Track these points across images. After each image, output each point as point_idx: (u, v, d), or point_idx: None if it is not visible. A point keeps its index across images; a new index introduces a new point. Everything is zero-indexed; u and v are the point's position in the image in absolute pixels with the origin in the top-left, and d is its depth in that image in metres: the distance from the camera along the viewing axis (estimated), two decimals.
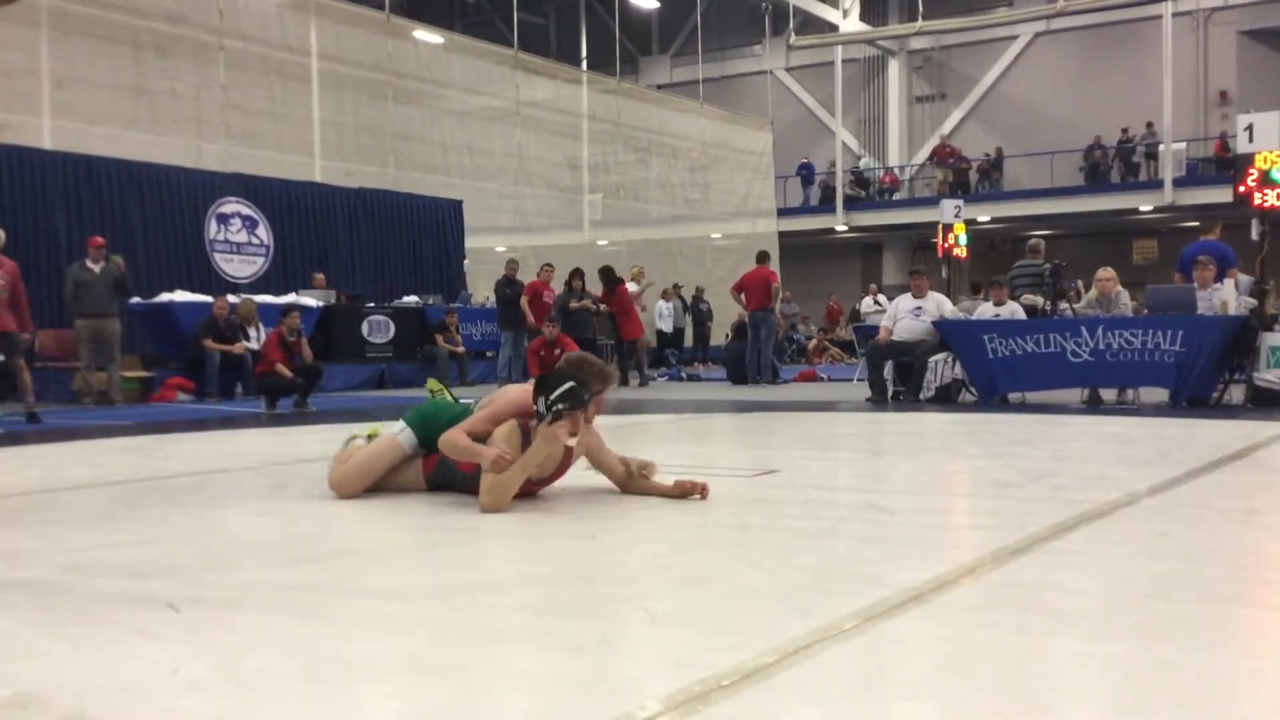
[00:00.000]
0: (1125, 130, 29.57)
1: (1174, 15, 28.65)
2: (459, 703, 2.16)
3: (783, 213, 31.44)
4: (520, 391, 4.65)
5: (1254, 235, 11.01)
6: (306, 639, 2.63)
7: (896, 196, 33.78)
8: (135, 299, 13.81)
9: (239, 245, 16.40)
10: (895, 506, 4.51)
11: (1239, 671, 2.35)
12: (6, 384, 10.11)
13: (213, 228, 16.02)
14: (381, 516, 4.45)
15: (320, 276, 16.78)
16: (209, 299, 14.08)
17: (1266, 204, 10.38)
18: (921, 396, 10.96)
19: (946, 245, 17.72)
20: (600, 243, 25.83)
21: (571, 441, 4.44)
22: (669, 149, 27.64)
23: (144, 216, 15.16)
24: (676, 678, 2.21)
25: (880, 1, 33.97)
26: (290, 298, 15.06)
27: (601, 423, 4.87)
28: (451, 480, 4.72)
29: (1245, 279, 11.43)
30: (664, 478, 4.73)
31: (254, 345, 13.26)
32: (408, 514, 4.46)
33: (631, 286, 19.29)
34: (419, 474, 4.83)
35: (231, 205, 16.28)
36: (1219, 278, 10.69)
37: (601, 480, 4.82)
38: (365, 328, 16.23)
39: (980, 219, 28.32)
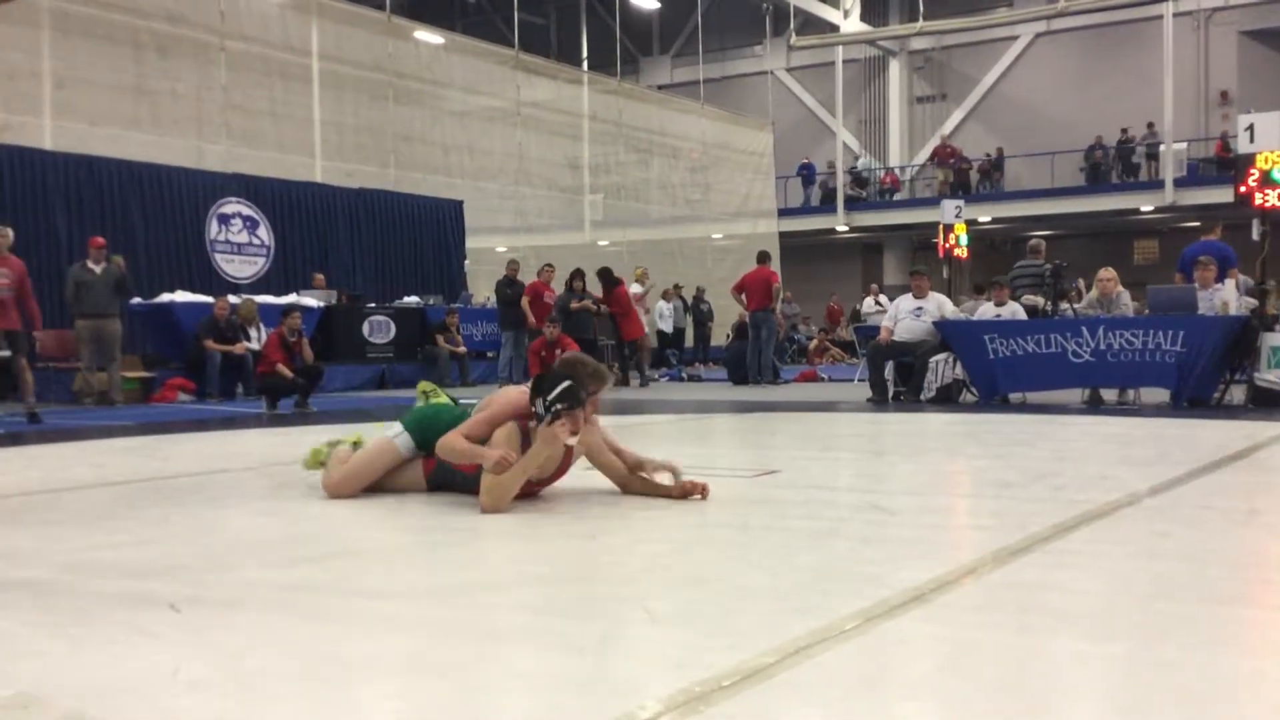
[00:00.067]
0: (1125, 130, 29.56)
1: (1175, 15, 28.66)
2: (459, 703, 2.16)
3: (783, 213, 31.45)
4: (518, 393, 4.65)
5: (1255, 235, 11.00)
6: (307, 639, 2.63)
7: (897, 197, 33.79)
8: (136, 299, 13.81)
9: (240, 246, 16.41)
10: (896, 507, 4.51)
11: (1240, 672, 2.35)
12: (7, 383, 10.10)
13: (213, 228, 16.03)
14: (382, 517, 4.45)
15: (320, 277, 16.79)
16: (210, 299, 14.09)
17: (1267, 204, 10.37)
18: (922, 397, 10.96)
19: (947, 245, 17.70)
20: (601, 243, 25.84)
21: (573, 441, 4.44)
22: (670, 149, 27.65)
23: (145, 217, 15.17)
24: (677, 678, 2.21)
25: (881, 2, 33.97)
26: (291, 298, 15.06)
27: (602, 424, 4.86)
28: (452, 481, 4.71)
29: (1242, 279, 11.42)
30: (665, 477, 4.72)
31: (255, 346, 13.26)
32: (408, 514, 4.46)
33: (635, 288, 19.29)
34: (419, 475, 4.83)
35: (232, 205, 16.29)
36: (1220, 278, 10.69)
37: (602, 480, 4.82)
38: (366, 328, 16.24)
39: (981, 219, 28.33)
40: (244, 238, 16.46)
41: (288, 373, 11.67)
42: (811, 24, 32.81)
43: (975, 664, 2.37)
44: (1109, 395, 10.67)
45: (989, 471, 5.92)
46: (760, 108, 31.88)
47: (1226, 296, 10.21)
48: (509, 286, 15.92)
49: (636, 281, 19.64)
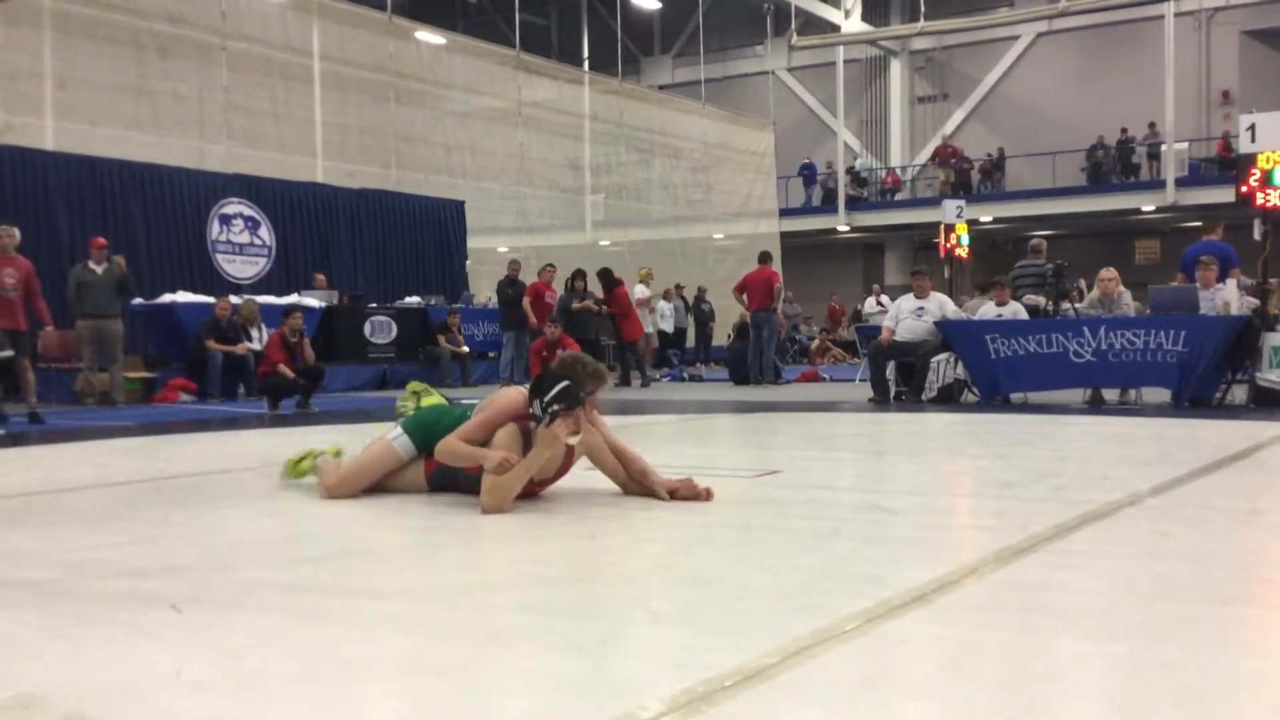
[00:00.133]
0: (1124, 131, 29.56)
1: (1176, 15, 28.66)
2: (459, 703, 2.16)
3: (785, 213, 31.45)
4: (515, 394, 4.64)
5: (1256, 235, 11.00)
6: (307, 639, 2.63)
7: (898, 197, 33.79)
8: (138, 300, 13.82)
9: (241, 246, 16.42)
10: (898, 507, 4.51)
11: (1241, 672, 2.34)
12: (9, 383, 10.12)
13: (215, 228, 16.03)
14: (382, 517, 4.45)
15: (321, 277, 16.80)
16: (211, 300, 14.09)
17: (1269, 204, 10.36)
18: (924, 397, 10.95)
19: (949, 245, 17.72)
20: (602, 243, 25.84)
21: (574, 440, 4.45)
22: (671, 149, 27.65)
23: (146, 217, 15.18)
24: (678, 678, 2.21)
25: (882, 2, 33.97)
26: (292, 298, 15.06)
27: (607, 424, 4.86)
28: (455, 481, 4.71)
29: (1243, 280, 11.42)
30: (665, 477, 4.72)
31: (256, 346, 13.26)
32: (408, 514, 4.46)
33: (640, 289, 19.29)
34: (421, 475, 4.82)
35: (234, 206, 16.29)
36: (1221, 278, 10.68)
37: (603, 481, 4.82)
38: (367, 328, 16.24)
39: (982, 219, 28.32)
40: (245, 238, 16.46)
41: (289, 373, 11.68)
42: (812, 24, 32.81)
43: (977, 664, 2.37)
44: (1110, 395, 10.66)
45: (990, 471, 5.91)
46: (761, 108, 31.87)
47: (1228, 296, 10.21)
48: (510, 287, 15.92)
49: (641, 282, 19.63)
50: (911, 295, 11.65)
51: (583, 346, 13.06)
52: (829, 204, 33.27)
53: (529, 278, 16.50)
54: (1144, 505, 4.48)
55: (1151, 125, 29.17)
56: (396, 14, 20.97)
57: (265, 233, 16.72)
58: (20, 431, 9.15)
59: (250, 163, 17.14)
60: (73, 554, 3.68)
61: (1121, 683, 2.27)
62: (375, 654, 2.47)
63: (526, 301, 15.54)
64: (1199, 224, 24.04)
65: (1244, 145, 10.71)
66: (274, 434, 8.85)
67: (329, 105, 18.93)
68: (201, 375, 13.34)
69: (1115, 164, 30.13)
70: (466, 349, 16.82)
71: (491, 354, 17.44)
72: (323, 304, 15.67)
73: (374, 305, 16.89)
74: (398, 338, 16.58)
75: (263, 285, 16.23)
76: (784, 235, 29.89)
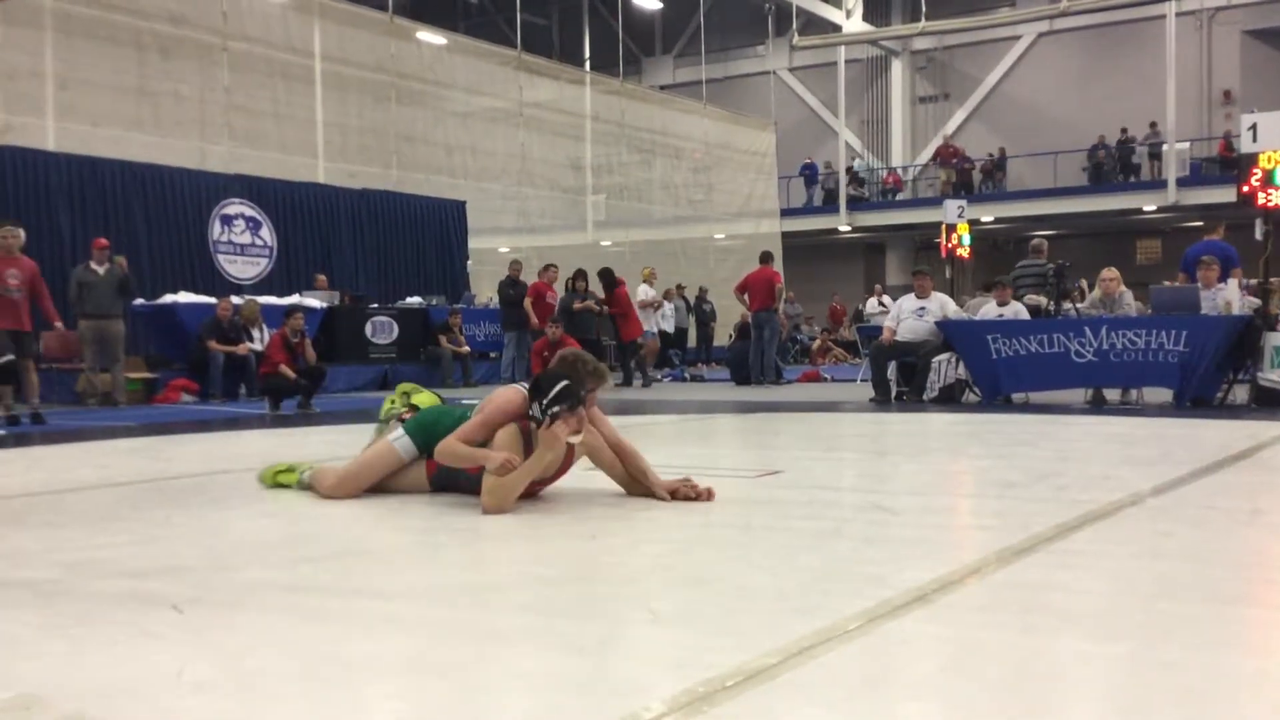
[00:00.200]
0: (1124, 131, 29.55)
1: (1177, 15, 28.66)
2: (460, 703, 2.16)
3: (786, 213, 31.45)
4: (511, 393, 4.63)
5: (1258, 235, 10.99)
6: (308, 639, 2.63)
7: (900, 197, 33.79)
8: (139, 300, 13.82)
9: (242, 246, 16.42)
10: (899, 507, 4.51)
11: (1243, 672, 2.34)
12: (11, 380, 10.12)
13: (216, 229, 16.04)
14: (384, 517, 4.45)
15: (322, 278, 16.80)
16: (213, 300, 14.10)
17: (1270, 204, 10.35)
18: (925, 397, 10.95)
19: (950, 245, 17.71)
20: (604, 243, 25.83)
21: (576, 439, 4.45)
22: (672, 149, 27.65)
23: (148, 218, 15.19)
24: (679, 678, 2.21)
25: (883, 2, 33.97)
26: (294, 299, 15.06)
27: (611, 424, 4.85)
28: (456, 482, 4.71)
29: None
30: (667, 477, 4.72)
31: (257, 346, 13.27)
32: (410, 514, 4.46)
33: (644, 288, 19.29)
34: (422, 476, 4.82)
35: (235, 206, 16.30)
36: (1223, 278, 10.67)
37: (603, 481, 4.82)
38: (369, 329, 16.24)
39: (984, 219, 28.31)
40: (247, 238, 16.47)
41: (290, 373, 11.68)
42: (814, 24, 32.80)
43: (978, 664, 2.37)
44: (1112, 395, 10.66)
45: (992, 471, 5.91)
46: (763, 108, 31.87)
47: (1229, 296, 10.20)
48: (511, 287, 15.92)
49: (645, 282, 19.62)
50: (913, 295, 11.65)
51: (584, 347, 13.02)
52: (830, 204, 33.27)
53: (530, 278, 16.50)
54: (1145, 505, 4.48)
55: (1153, 125, 29.15)
56: (398, 14, 20.97)
57: (266, 233, 16.72)
58: (23, 432, 9.15)
59: (252, 163, 17.14)
60: (74, 554, 3.69)
61: (1123, 683, 2.27)
62: (376, 654, 2.47)
63: (528, 302, 15.54)
64: (1200, 224, 24.03)
65: (1245, 145, 10.70)
66: (275, 434, 8.86)
67: (330, 105, 18.94)
68: (203, 376, 13.35)
69: (1116, 164, 30.12)
70: (468, 349, 16.82)
71: (493, 354, 17.44)
72: (324, 304, 15.67)
73: (375, 305, 16.89)
74: (399, 338, 16.58)
75: (264, 286, 16.23)
76: (785, 235, 29.89)
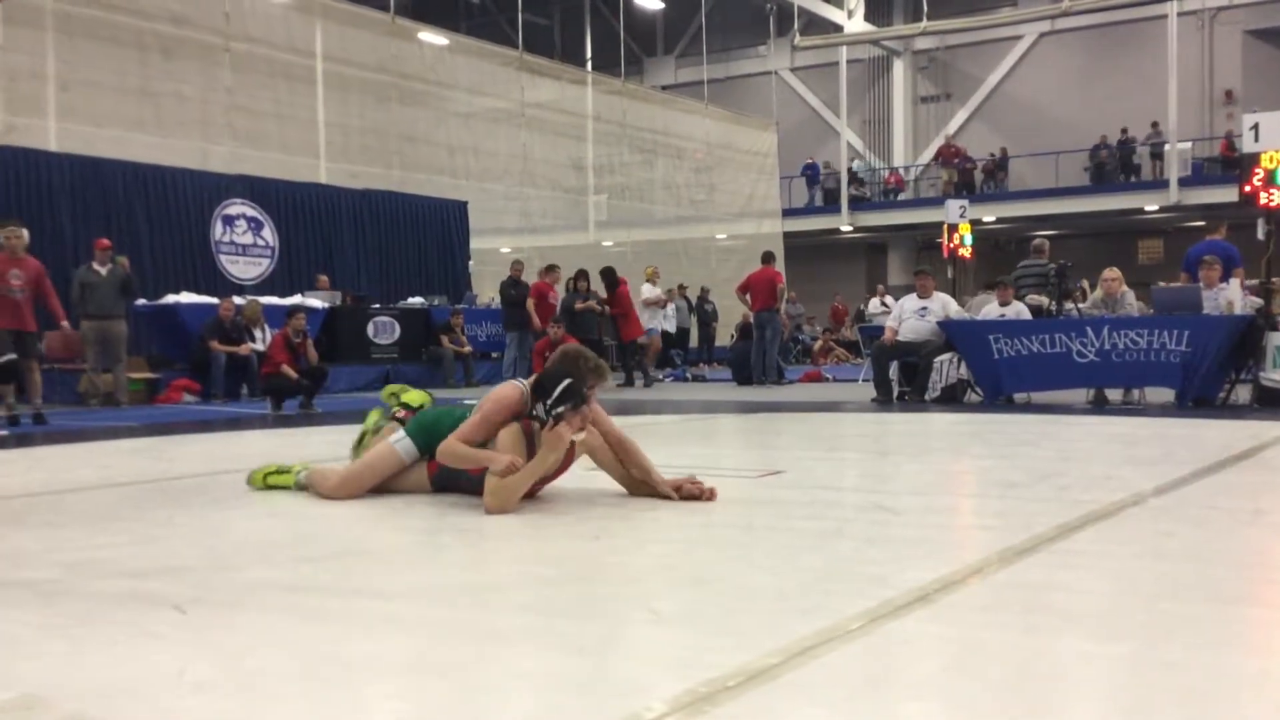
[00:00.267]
0: (1124, 131, 29.53)
1: (1179, 15, 28.65)
2: (461, 703, 2.16)
3: (788, 213, 31.45)
4: (510, 389, 4.63)
5: (1260, 235, 10.99)
6: (309, 640, 2.62)
7: (901, 197, 33.78)
8: (141, 300, 13.83)
9: (244, 247, 16.43)
10: (901, 507, 4.50)
11: (1245, 672, 2.34)
12: (11, 379, 10.13)
13: (218, 229, 16.05)
14: (385, 517, 4.44)
15: (324, 278, 16.81)
16: (214, 300, 14.11)
17: (1272, 203, 10.35)
18: (927, 397, 10.95)
19: (951, 245, 17.69)
20: (605, 244, 25.83)
21: (580, 437, 4.44)
22: (674, 150, 27.65)
23: (150, 218, 15.20)
24: (681, 678, 2.20)
25: (885, 2, 33.96)
26: (296, 299, 15.07)
27: (615, 424, 4.85)
28: (457, 482, 4.70)
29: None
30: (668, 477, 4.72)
31: (259, 347, 13.27)
32: (412, 515, 4.46)
33: (647, 288, 19.28)
34: (424, 477, 4.82)
35: (237, 207, 16.31)
36: (1225, 277, 10.67)
37: (605, 481, 4.81)
38: (370, 329, 16.25)
39: (985, 219, 28.30)
40: (249, 239, 16.48)
41: (292, 374, 11.69)
42: (815, 24, 32.80)
43: (980, 664, 2.37)
44: (1114, 395, 10.65)
45: (994, 471, 5.91)
46: (764, 108, 31.86)
47: (1231, 296, 10.19)
48: (513, 287, 15.93)
49: (648, 281, 19.62)
50: (915, 295, 11.64)
51: (585, 347, 13.04)
52: (832, 204, 33.26)
53: (531, 278, 16.50)
54: (1147, 505, 4.47)
55: (1155, 125, 29.14)
56: (399, 15, 20.96)
57: (268, 233, 16.73)
58: (24, 432, 9.16)
59: (253, 163, 17.14)
60: (75, 554, 3.69)
61: (1125, 683, 2.27)
62: (377, 654, 2.47)
63: (531, 304, 15.54)
64: (1202, 224, 24.03)
65: (1247, 145, 10.70)
66: (277, 435, 8.86)
67: (332, 106, 18.94)
68: (205, 376, 13.35)
69: (1118, 164, 30.10)
70: (469, 349, 16.84)
71: (494, 354, 17.45)
72: (326, 304, 15.68)
73: (377, 306, 16.90)
74: (401, 338, 16.60)
75: (266, 286, 16.24)
76: (787, 235, 29.88)
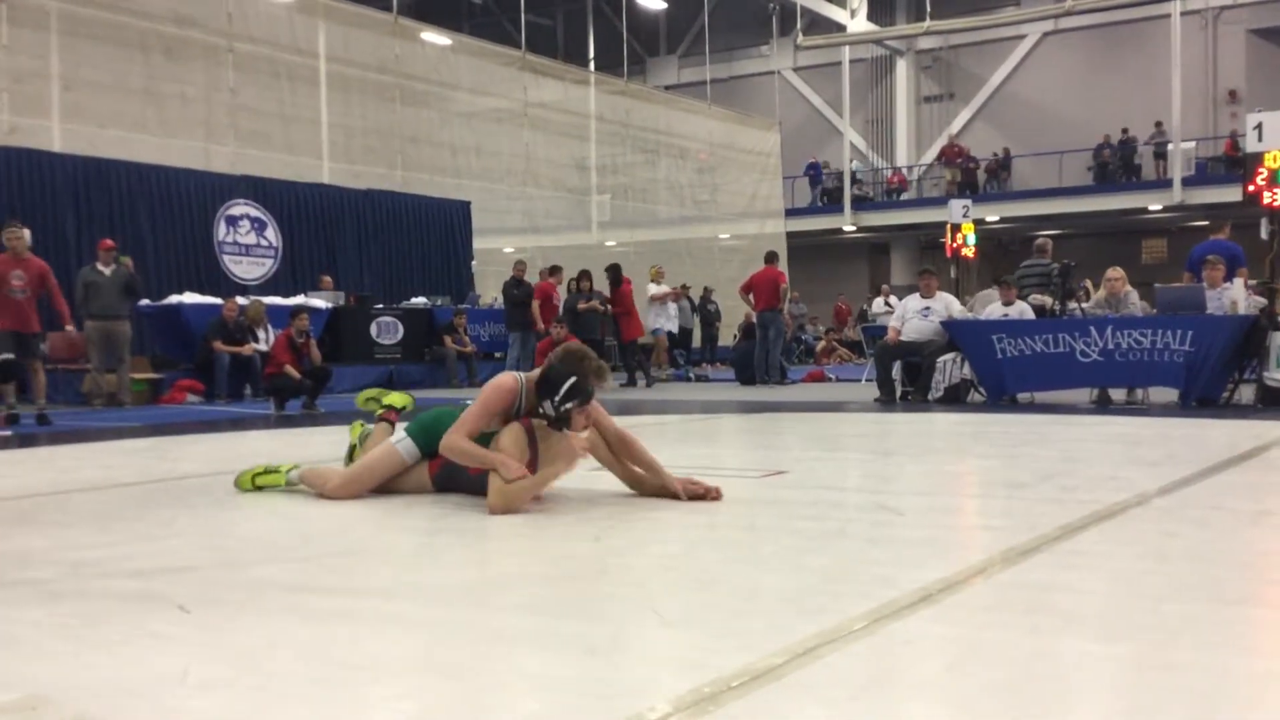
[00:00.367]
0: (1125, 130, 29.51)
1: (1182, 14, 28.62)
2: (466, 703, 2.16)
3: (791, 213, 31.44)
4: (508, 378, 4.64)
5: (1263, 234, 10.96)
6: (315, 640, 2.63)
7: (904, 196, 33.77)
8: (145, 301, 13.84)
9: (248, 247, 16.45)
10: (904, 507, 4.50)
11: (1248, 673, 2.34)
12: (11, 378, 10.14)
13: (222, 230, 16.07)
14: (389, 517, 4.45)
15: (328, 278, 16.82)
16: (218, 301, 14.13)
17: (1276, 203, 10.34)
18: (930, 397, 10.94)
19: (955, 245, 17.66)
20: (608, 244, 25.85)
21: (584, 434, 4.45)
22: (677, 150, 27.65)
23: (153, 219, 15.23)
24: (685, 679, 2.21)
25: (888, 1, 33.94)
26: (299, 299, 15.09)
27: (616, 425, 4.85)
28: (458, 482, 4.71)
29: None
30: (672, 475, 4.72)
31: (263, 347, 13.29)
32: (415, 515, 4.46)
33: (652, 287, 19.28)
34: (425, 477, 4.82)
35: (240, 207, 16.32)
36: (1228, 277, 10.66)
37: (609, 481, 4.82)
38: (374, 329, 16.28)
39: (988, 219, 28.29)
40: (252, 239, 16.50)
41: (296, 374, 11.70)
42: (818, 24, 32.81)
43: (984, 664, 2.37)
44: (1117, 395, 10.65)
45: (997, 472, 5.91)
46: (767, 108, 31.86)
47: (1235, 296, 10.18)
48: (516, 287, 15.94)
49: (653, 280, 19.62)
50: (918, 295, 11.64)
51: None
52: (835, 204, 33.25)
53: (534, 278, 16.51)
54: (1151, 506, 4.47)
55: (1158, 124, 29.12)
56: (402, 15, 20.98)
57: (272, 234, 16.75)
58: (29, 432, 9.17)
59: (257, 164, 17.17)
60: (80, 554, 3.69)
61: (1128, 683, 2.27)
62: (382, 654, 2.48)
63: (536, 305, 15.56)
64: (1206, 223, 23.99)
65: (1251, 144, 10.68)
66: (280, 435, 8.87)
67: (335, 106, 18.96)
68: (208, 376, 13.36)
69: (1121, 163, 30.08)
70: (472, 349, 16.85)
71: (497, 354, 17.46)
72: (329, 305, 15.70)
73: (380, 306, 16.92)
74: (404, 338, 16.62)
75: (269, 286, 16.25)
76: (790, 235, 29.86)
